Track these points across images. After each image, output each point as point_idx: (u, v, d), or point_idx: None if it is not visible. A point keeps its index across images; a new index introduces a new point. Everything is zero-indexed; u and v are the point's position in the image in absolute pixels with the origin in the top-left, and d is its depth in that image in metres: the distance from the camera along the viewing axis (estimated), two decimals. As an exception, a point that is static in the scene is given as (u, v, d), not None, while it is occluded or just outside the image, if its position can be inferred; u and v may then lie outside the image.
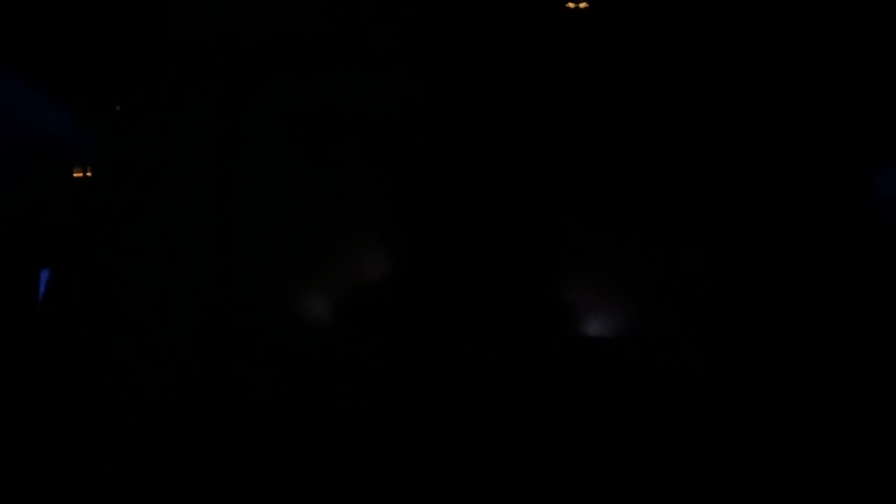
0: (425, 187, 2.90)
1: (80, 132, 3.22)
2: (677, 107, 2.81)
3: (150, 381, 2.91)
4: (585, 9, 2.83)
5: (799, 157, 2.78)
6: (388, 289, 2.91)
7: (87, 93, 3.24)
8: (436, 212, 2.91)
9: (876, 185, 2.67)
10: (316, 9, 2.97)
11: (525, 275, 2.90)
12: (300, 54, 2.98)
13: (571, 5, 2.83)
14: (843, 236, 2.75)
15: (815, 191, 2.77)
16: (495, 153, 2.88)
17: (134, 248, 3.04)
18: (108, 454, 2.87)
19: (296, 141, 2.91)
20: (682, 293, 2.81)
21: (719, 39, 2.80)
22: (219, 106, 3.01)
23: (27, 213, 3.21)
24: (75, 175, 3.24)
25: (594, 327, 2.88)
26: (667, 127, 2.81)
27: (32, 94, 3.27)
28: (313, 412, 2.83)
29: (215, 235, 3.02)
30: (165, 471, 2.84)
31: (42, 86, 3.20)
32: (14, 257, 3.21)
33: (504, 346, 2.86)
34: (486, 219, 2.89)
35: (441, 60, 2.92)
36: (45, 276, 3.22)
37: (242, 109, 3.02)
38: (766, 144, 2.80)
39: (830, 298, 2.75)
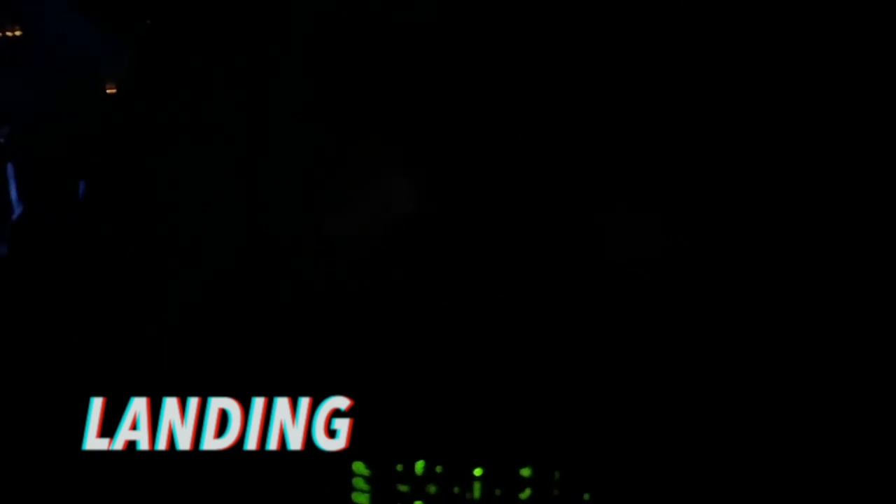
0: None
1: (113, 48, 3.24)
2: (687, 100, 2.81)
3: (182, 286, 2.93)
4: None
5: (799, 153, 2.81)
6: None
7: (119, 9, 3.21)
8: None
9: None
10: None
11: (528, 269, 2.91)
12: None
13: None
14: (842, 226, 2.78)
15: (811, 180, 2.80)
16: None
17: (165, 162, 3.02)
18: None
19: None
20: (683, 291, 2.83)
21: (721, 37, 2.82)
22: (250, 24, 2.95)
23: (65, 128, 3.26)
24: (109, 91, 3.27)
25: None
26: (669, 122, 2.83)
27: (67, 12, 3.29)
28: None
29: (244, 150, 3.00)
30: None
31: (76, 4, 3.21)
32: (53, 170, 3.25)
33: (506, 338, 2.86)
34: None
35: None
36: (81, 187, 3.27)
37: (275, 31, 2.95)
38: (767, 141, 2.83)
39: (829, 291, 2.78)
